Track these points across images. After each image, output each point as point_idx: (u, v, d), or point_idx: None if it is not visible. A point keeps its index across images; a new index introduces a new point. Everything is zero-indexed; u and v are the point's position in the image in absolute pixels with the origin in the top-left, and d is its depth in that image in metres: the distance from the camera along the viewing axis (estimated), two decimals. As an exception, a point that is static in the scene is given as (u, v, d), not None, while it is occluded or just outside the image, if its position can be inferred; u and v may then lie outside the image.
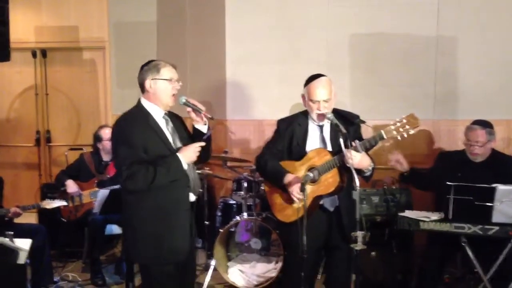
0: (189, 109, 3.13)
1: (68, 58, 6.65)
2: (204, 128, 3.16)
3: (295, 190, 3.24)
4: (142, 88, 3.09)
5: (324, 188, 3.26)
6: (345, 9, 5.18)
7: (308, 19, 5.25)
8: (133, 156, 2.91)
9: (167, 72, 3.06)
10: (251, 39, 5.35)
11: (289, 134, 3.41)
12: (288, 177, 3.28)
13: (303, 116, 3.45)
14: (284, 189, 3.34)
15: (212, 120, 3.18)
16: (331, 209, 3.38)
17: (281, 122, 3.51)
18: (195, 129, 3.18)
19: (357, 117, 3.42)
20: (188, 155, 3.01)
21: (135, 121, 3.01)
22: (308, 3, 5.25)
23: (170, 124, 3.13)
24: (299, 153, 3.36)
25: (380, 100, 5.12)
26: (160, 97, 3.06)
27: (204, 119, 3.14)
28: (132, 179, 2.90)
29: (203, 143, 3.07)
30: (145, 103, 3.09)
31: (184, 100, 3.09)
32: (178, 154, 3.00)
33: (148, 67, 3.07)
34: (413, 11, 5.06)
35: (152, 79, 3.04)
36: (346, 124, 3.23)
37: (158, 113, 3.08)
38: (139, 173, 2.89)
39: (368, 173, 3.28)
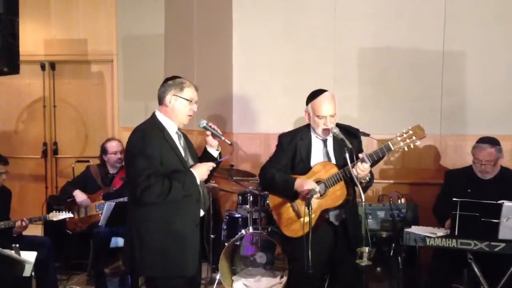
0: (208, 132, 3.14)
1: (77, 70, 6.72)
2: (215, 153, 3.19)
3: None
4: (160, 101, 3.10)
5: (332, 201, 3.26)
6: (352, 22, 5.18)
7: (315, 32, 5.24)
8: (151, 168, 2.90)
9: (189, 92, 3.08)
10: (258, 51, 5.35)
11: (292, 149, 3.41)
12: (299, 181, 3.27)
13: (306, 130, 3.44)
14: (292, 199, 3.33)
15: (231, 146, 3.19)
16: (337, 223, 3.36)
17: (283, 137, 3.51)
18: (206, 152, 3.20)
19: (358, 130, 3.42)
20: (201, 171, 3.03)
21: (152, 133, 3.01)
22: (315, 16, 5.24)
23: (183, 140, 3.15)
24: (303, 168, 3.36)
25: (387, 114, 5.10)
26: (177, 115, 3.07)
27: (218, 144, 3.16)
28: (149, 191, 2.88)
29: (215, 165, 3.10)
30: (161, 116, 3.09)
31: (204, 124, 3.11)
32: (192, 170, 3.02)
33: (173, 83, 3.08)
34: (420, 25, 5.06)
35: (174, 95, 3.04)
36: (350, 137, 3.23)
37: (172, 128, 3.09)
38: (156, 186, 2.89)
39: (364, 184, 3.26)
